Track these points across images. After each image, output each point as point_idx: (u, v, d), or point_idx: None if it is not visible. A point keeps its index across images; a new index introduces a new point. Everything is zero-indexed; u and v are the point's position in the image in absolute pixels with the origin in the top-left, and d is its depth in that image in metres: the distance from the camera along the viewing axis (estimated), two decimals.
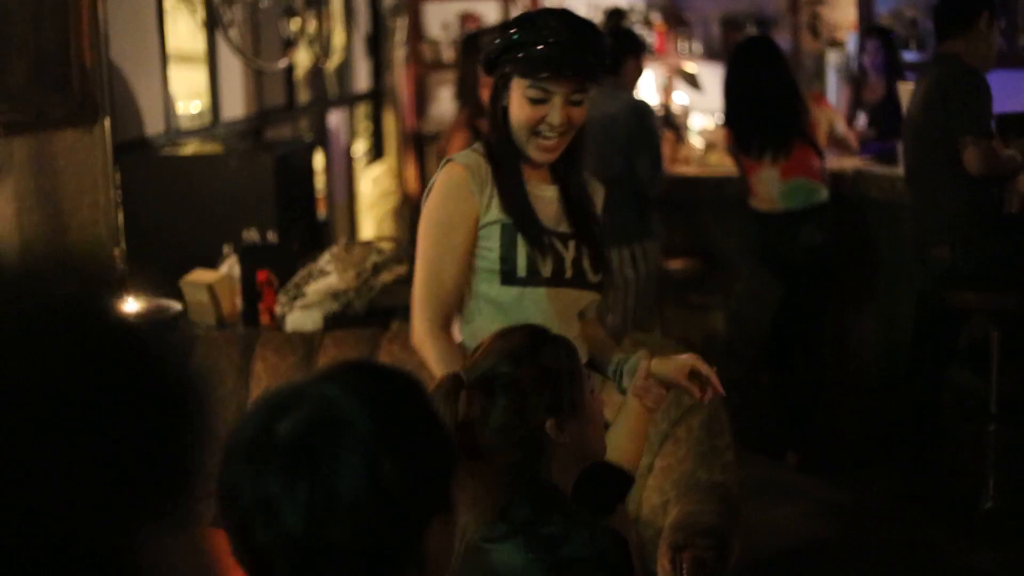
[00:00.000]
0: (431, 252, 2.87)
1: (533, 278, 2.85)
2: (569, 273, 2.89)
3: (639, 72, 6.31)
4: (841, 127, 6.31)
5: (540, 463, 2.27)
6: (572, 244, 2.91)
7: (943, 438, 5.65)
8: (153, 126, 5.45)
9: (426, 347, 2.85)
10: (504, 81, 2.89)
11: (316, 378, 1.48)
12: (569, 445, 2.31)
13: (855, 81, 7.57)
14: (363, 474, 1.38)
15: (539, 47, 2.81)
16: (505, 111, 2.90)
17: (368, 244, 4.38)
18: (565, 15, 2.88)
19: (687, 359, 2.76)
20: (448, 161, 2.91)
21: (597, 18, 8.07)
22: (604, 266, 2.96)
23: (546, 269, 2.86)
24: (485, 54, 2.94)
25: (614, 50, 6.06)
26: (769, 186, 5.89)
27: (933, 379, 5.62)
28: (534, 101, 2.84)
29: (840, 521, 5.37)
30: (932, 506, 5.39)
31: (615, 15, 8.03)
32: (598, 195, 3.08)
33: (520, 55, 2.83)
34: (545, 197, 2.94)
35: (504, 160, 2.90)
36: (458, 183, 2.86)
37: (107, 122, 4.85)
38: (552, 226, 2.91)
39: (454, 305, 2.89)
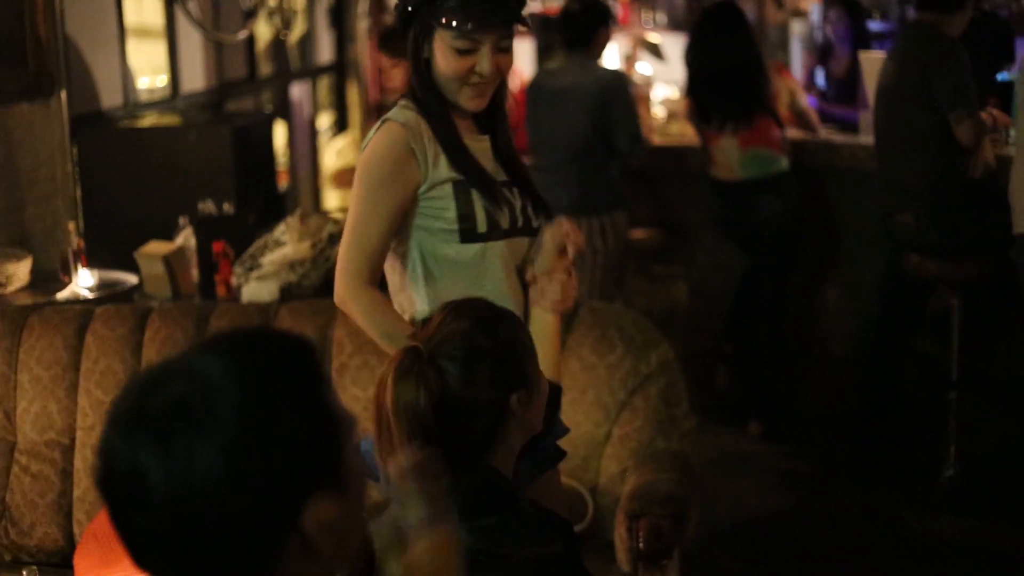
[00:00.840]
0: (362, 209, 2.77)
1: (493, 232, 2.78)
2: (520, 222, 2.84)
3: (607, 42, 6.29)
4: (802, 101, 6.28)
5: (495, 439, 2.26)
6: (516, 191, 2.85)
7: (906, 407, 5.67)
8: (111, 99, 5.41)
9: (350, 302, 2.78)
10: (426, 33, 2.78)
11: (200, 349, 1.45)
12: (523, 419, 2.30)
13: (820, 51, 7.54)
14: (220, 457, 1.35)
15: None
16: (428, 63, 2.80)
17: (324, 215, 4.36)
18: None
19: (546, 236, 2.80)
20: (385, 120, 2.80)
21: None
22: (544, 210, 2.91)
23: (504, 221, 2.79)
24: (402, 5, 2.81)
25: (586, 21, 6.04)
26: (728, 155, 5.87)
27: (897, 348, 5.64)
28: (462, 52, 2.74)
29: (802, 490, 5.39)
30: (894, 475, 5.41)
31: None
32: None
33: (444, 6, 2.72)
34: (480, 148, 2.86)
35: (436, 114, 2.80)
36: (398, 143, 2.76)
37: (63, 95, 4.81)
38: (494, 176, 2.84)
39: (379, 264, 2.80)
